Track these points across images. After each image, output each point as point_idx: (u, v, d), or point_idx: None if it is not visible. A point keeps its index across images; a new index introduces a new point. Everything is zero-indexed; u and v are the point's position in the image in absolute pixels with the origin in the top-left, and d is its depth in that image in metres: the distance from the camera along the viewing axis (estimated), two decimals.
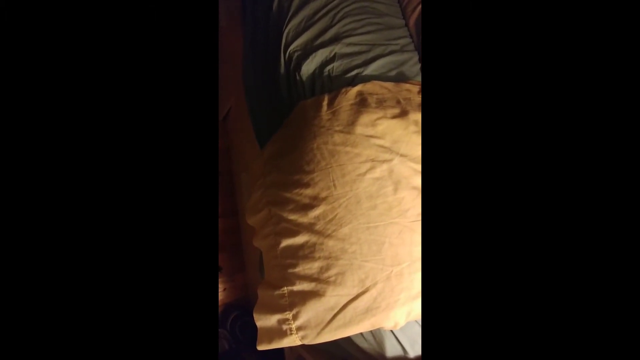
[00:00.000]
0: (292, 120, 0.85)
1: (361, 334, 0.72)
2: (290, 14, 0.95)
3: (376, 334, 0.71)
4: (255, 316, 0.71)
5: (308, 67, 0.89)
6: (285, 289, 0.68)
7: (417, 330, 0.73)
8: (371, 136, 0.74)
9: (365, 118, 0.76)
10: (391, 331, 0.72)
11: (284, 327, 0.66)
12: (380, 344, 0.71)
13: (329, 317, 0.64)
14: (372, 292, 0.64)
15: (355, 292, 0.64)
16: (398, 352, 0.72)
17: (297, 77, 0.89)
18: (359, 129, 0.74)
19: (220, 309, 1.41)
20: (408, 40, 1.08)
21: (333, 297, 0.64)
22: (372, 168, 0.70)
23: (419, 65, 1.01)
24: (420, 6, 1.10)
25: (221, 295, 1.42)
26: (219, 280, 1.41)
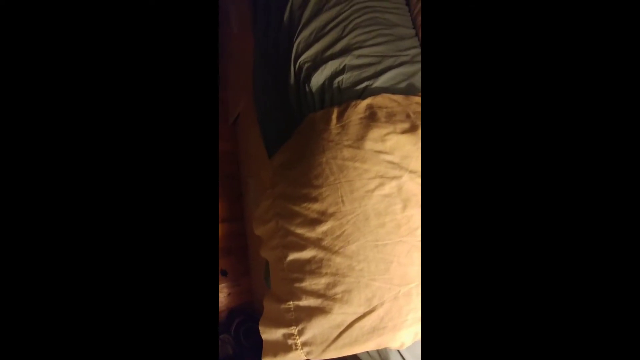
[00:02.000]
0: (301, 131, 0.85)
1: (366, 351, 0.72)
2: (301, 25, 0.95)
3: (382, 352, 0.71)
4: (261, 328, 0.71)
5: (318, 79, 0.89)
6: (292, 304, 0.68)
7: None
8: (380, 151, 0.74)
9: (375, 133, 0.76)
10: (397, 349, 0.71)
11: (289, 341, 0.66)
12: None
13: (334, 334, 0.64)
14: (379, 312, 0.64)
15: (361, 310, 0.64)
16: None
17: (307, 89, 0.88)
18: (368, 144, 0.74)
19: (224, 314, 1.41)
20: (418, 50, 1.07)
21: (339, 315, 0.64)
22: (381, 185, 0.70)
23: None
24: None
25: (226, 300, 1.42)
26: (224, 284, 1.42)
